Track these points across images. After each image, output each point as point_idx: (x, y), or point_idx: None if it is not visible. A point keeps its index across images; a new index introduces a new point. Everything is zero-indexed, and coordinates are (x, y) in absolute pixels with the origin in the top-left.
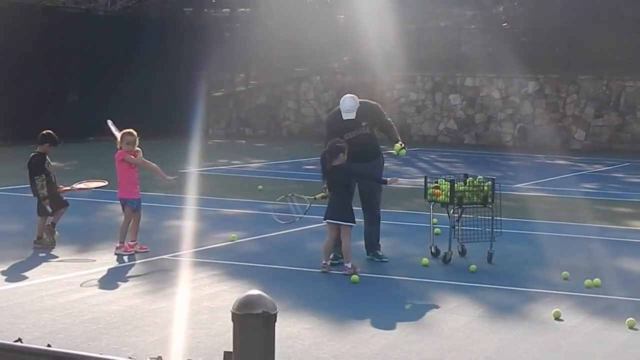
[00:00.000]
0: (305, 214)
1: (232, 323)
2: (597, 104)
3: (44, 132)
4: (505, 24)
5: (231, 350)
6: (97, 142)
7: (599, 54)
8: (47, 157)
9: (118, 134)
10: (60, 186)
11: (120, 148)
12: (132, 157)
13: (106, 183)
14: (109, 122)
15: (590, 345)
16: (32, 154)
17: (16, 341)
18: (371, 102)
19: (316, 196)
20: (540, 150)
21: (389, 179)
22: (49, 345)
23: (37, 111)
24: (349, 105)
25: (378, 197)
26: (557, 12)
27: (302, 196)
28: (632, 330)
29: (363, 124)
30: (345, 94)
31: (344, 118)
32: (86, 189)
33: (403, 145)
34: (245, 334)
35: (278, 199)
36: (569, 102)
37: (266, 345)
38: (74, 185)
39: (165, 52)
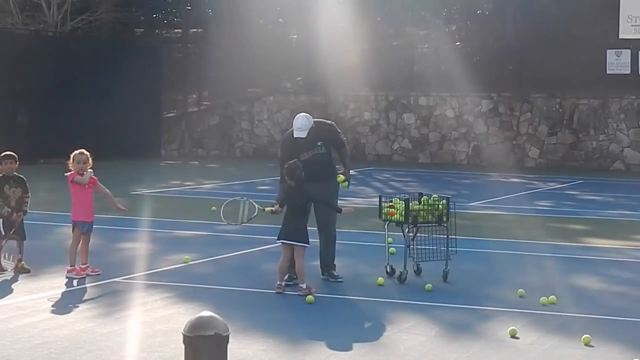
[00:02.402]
0: (248, 222)
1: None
2: (550, 122)
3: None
4: (458, 43)
5: None
6: (48, 164)
7: (551, 73)
8: (10, 180)
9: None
10: (20, 213)
11: (72, 170)
12: (80, 176)
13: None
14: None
15: None
16: None
17: None
18: (326, 121)
19: (265, 208)
20: (494, 168)
21: (344, 208)
22: None
23: None
24: (300, 124)
25: (333, 217)
26: (510, 31)
27: (255, 204)
28: (587, 347)
29: (318, 143)
30: (299, 113)
31: (295, 136)
32: None
33: (346, 179)
34: (197, 356)
35: (231, 200)
36: (523, 120)
37: None
38: None
39: (116, 73)
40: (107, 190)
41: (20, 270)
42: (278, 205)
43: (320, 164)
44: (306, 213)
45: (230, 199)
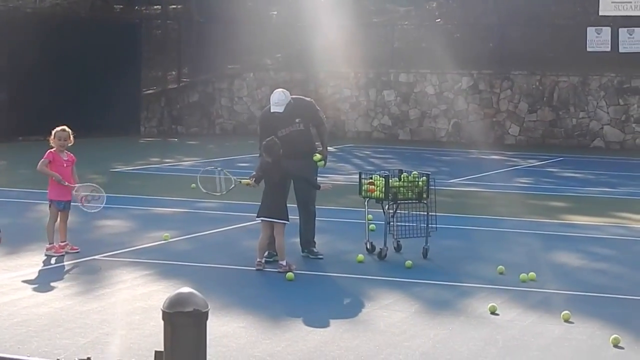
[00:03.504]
0: (226, 193)
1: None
2: (530, 100)
3: None
4: (439, 20)
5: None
6: (26, 141)
7: (532, 50)
8: None
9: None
10: None
11: (52, 146)
12: (45, 168)
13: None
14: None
15: (526, 338)
16: None
17: None
18: (305, 98)
19: (242, 180)
20: (474, 145)
21: (323, 184)
22: None
23: None
24: (277, 99)
25: (313, 194)
26: (490, 8)
27: (230, 176)
28: (567, 324)
29: (297, 120)
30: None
31: (272, 111)
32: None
33: (322, 157)
34: (176, 332)
35: (205, 169)
36: (503, 97)
37: (198, 344)
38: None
39: (96, 50)
40: (76, 178)
41: None
42: (254, 180)
43: (298, 140)
44: (285, 190)
45: (203, 170)
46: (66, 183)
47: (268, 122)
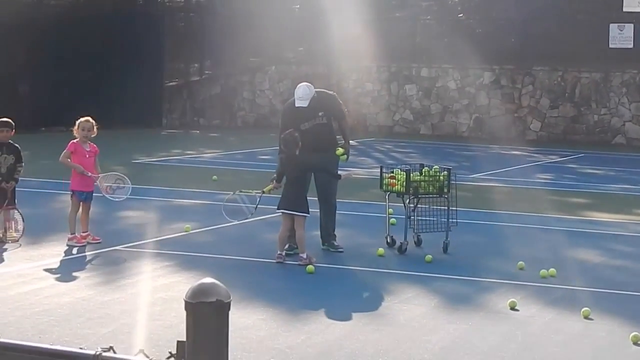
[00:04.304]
0: (256, 209)
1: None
2: (552, 95)
3: None
4: (461, 14)
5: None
6: (49, 132)
7: (554, 46)
8: (4, 147)
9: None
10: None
11: (76, 137)
12: (68, 159)
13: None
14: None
15: (545, 334)
16: None
17: None
18: (328, 92)
19: (264, 189)
20: (495, 140)
21: (343, 173)
22: None
23: None
24: (302, 93)
25: (334, 187)
26: (512, 4)
27: (250, 191)
28: (587, 320)
29: (319, 114)
30: (300, 83)
31: (296, 105)
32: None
33: (345, 151)
34: (198, 322)
35: (226, 199)
36: (525, 93)
37: (220, 334)
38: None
39: (119, 42)
40: (98, 169)
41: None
42: (275, 181)
43: (320, 134)
44: (305, 183)
45: (225, 200)
46: (89, 174)
47: (291, 116)
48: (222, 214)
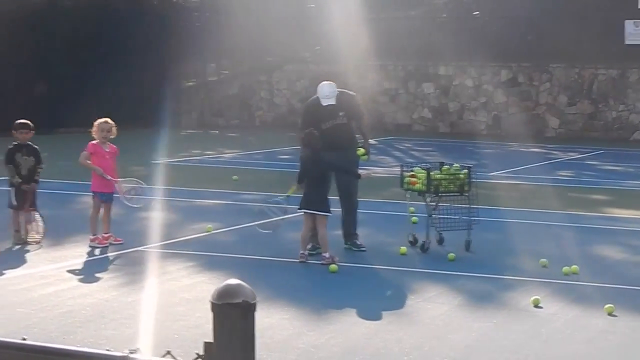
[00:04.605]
0: (285, 213)
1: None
2: (570, 92)
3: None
4: (477, 12)
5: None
6: (67, 133)
7: (570, 43)
8: (24, 148)
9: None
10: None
11: (95, 138)
12: (88, 161)
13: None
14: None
15: (569, 331)
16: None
17: None
18: (350, 92)
19: (288, 193)
20: (514, 138)
21: (362, 172)
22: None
23: (3, 103)
24: (328, 91)
25: (355, 185)
26: (529, 1)
27: (277, 200)
28: (610, 317)
29: (340, 113)
30: (320, 82)
31: (324, 104)
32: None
33: (366, 151)
34: (224, 323)
35: (256, 213)
36: (542, 90)
37: (246, 335)
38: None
39: (135, 42)
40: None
41: (30, 241)
42: (297, 183)
43: (341, 133)
44: (326, 182)
45: (255, 215)
46: (109, 177)
47: (315, 114)
48: (258, 230)
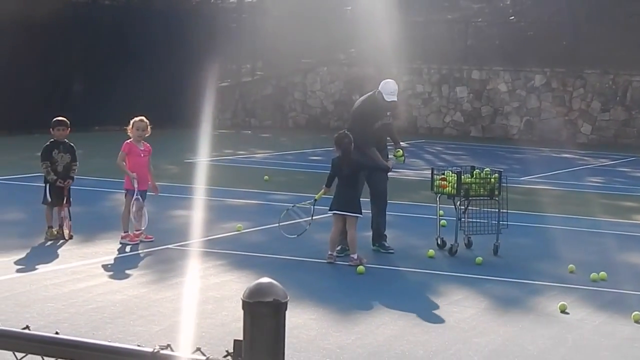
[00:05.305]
0: (312, 219)
1: (238, 312)
2: (603, 99)
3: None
4: (512, 17)
5: (241, 338)
6: (103, 131)
7: (605, 49)
8: (60, 146)
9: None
10: (68, 180)
11: (130, 136)
12: (123, 163)
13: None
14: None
15: (595, 338)
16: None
17: (24, 329)
18: None
19: (316, 197)
20: (546, 143)
21: (389, 162)
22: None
23: (42, 101)
24: (393, 88)
25: (386, 185)
26: (564, 6)
27: (302, 204)
28: (637, 324)
29: (388, 113)
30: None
31: (388, 100)
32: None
33: (403, 153)
34: (255, 322)
35: (281, 217)
36: (576, 96)
37: (276, 334)
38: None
39: (172, 42)
40: (151, 168)
41: (63, 236)
42: (326, 186)
43: (385, 133)
44: (358, 183)
45: (280, 218)
46: (136, 186)
47: (377, 110)
48: (282, 233)
